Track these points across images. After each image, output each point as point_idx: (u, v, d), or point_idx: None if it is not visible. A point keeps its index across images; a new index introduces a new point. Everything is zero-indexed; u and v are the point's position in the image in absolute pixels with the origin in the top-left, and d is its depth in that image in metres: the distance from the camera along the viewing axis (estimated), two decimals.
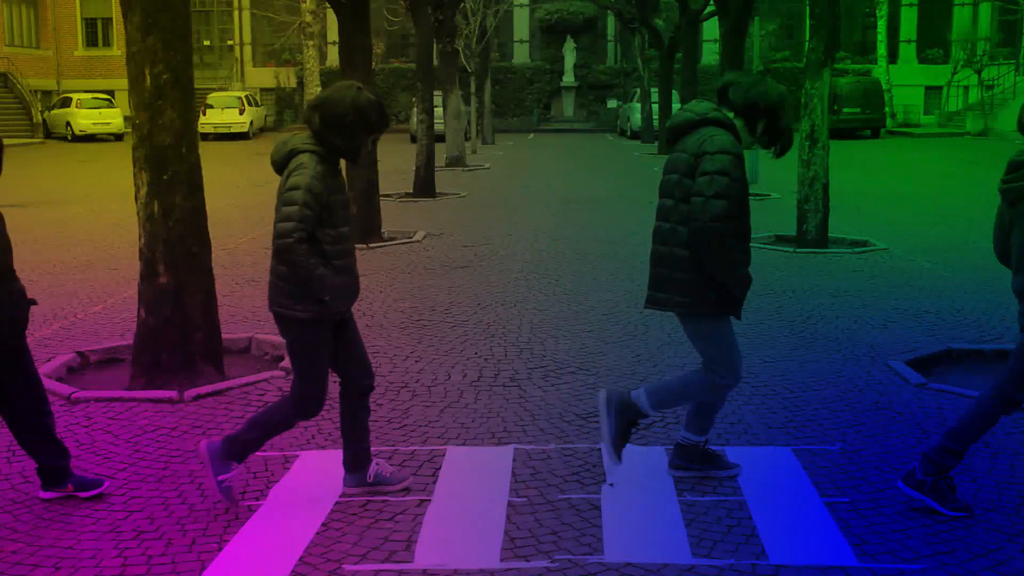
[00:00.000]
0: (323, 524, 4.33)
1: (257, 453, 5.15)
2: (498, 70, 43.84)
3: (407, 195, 18.03)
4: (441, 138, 24.63)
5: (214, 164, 24.35)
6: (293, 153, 4.35)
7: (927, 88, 45.27)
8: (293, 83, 46.94)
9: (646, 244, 12.11)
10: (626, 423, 4.72)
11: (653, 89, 33.41)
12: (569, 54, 46.70)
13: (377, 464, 4.68)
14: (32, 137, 38.49)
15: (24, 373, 4.52)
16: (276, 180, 4.46)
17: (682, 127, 4.59)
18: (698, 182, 4.39)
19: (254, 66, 48.57)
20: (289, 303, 4.34)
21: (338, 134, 4.31)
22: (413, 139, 28.96)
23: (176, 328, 6.34)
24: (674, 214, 4.51)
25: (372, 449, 4.74)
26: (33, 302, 4.58)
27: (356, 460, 4.64)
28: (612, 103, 45.74)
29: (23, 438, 4.58)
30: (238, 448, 4.50)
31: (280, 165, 4.40)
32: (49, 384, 6.28)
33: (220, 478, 4.45)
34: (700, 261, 4.44)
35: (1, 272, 4.42)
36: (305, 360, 4.47)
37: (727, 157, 4.38)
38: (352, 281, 4.41)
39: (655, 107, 32.66)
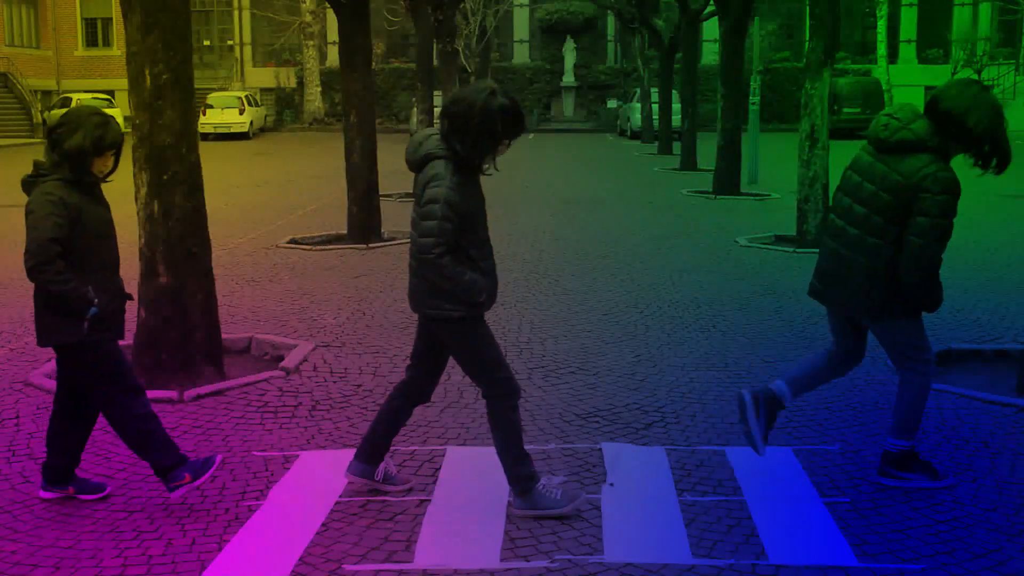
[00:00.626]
0: (323, 524, 4.33)
1: (256, 453, 5.17)
2: (498, 70, 43.84)
3: (407, 195, 18.03)
4: None
5: (214, 164, 24.35)
6: (428, 158, 4.24)
7: (927, 88, 45.20)
8: (293, 83, 46.96)
9: (646, 244, 12.20)
10: (924, 470, 4.76)
11: (653, 89, 33.39)
12: (569, 54, 46.70)
13: (386, 463, 4.67)
14: (32, 137, 38.48)
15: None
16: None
17: (897, 145, 4.47)
18: (919, 223, 4.40)
19: (254, 66, 48.58)
20: (437, 303, 4.27)
21: (460, 140, 4.16)
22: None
23: (176, 328, 6.34)
24: (886, 234, 4.49)
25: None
26: (130, 297, 4.66)
27: (374, 453, 4.61)
28: (612, 103, 45.74)
29: (57, 429, 4.57)
30: (523, 477, 4.40)
31: (415, 166, 4.31)
32: (49, 384, 6.28)
33: (558, 498, 4.38)
34: (908, 285, 4.52)
35: (113, 264, 4.51)
36: (475, 352, 4.38)
37: (949, 199, 4.39)
38: (496, 281, 4.36)
39: (655, 107, 32.64)
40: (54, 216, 4.23)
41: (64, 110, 4.65)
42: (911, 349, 4.70)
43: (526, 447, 5.23)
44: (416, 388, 4.62)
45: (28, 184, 4.40)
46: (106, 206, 4.53)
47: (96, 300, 4.32)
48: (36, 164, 4.40)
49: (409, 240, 4.34)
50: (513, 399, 4.41)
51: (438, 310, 4.28)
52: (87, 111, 4.46)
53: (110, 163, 4.45)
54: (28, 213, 4.28)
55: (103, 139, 4.35)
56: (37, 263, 4.20)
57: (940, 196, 4.37)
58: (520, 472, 4.41)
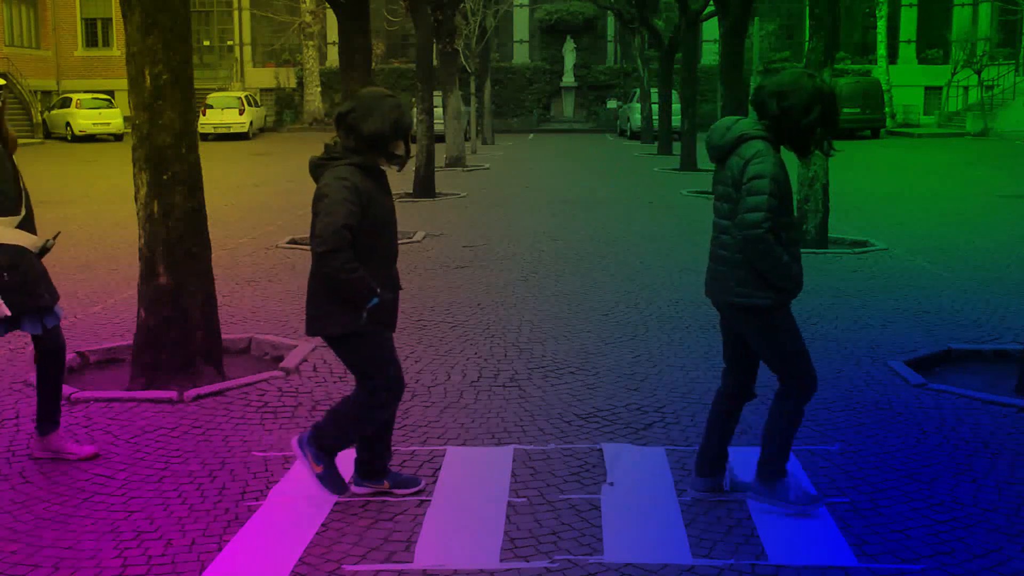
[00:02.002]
0: (323, 524, 4.33)
1: (257, 453, 5.17)
2: (498, 70, 43.84)
3: (407, 195, 18.03)
4: (441, 138, 24.63)
5: (214, 164, 24.35)
6: (743, 139, 4.23)
7: (927, 88, 45.28)
8: (293, 83, 46.95)
9: (646, 244, 12.21)
10: None
11: (653, 89, 33.40)
12: (569, 54, 46.71)
13: (728, 470, 4.63)
14: (32, 137, 38.49)
15: None
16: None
17: None
18: None
19: (254, 66, 48.56)
20: (747, 291, 4.23)
21: (795, 122, 4.17)
22: (413, 139, 28.97)
23: (176, 328, 6.34)
24: None
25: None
26: (400, 287, 4.56)
27: (716, 465, 4.58)
28: (612, 103, 45.75)
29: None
30: (777, 468, 4.39)
31: (722, 150, 4.29)
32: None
33: (794, 499, 4.34)
34: None
35: (392, 255, 4.42)
36: (781, 341, 4.33)
37: None
38: (801, 268, 4.31)
39: (655, 107, 32.64)
40: (348, 203, 4.14)
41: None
42: None
43: (526, 447, 5.25)
44: (741, 388, 4.55)
45: (318, 167, 4.31)
46: (391, 195, 4.44)
47: (379, 290, 4.25)
48: (328, 147, 4.28)
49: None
50: (811, 395, 4.39)
51: (747, 298, 4.25)
52: (378, 93, 4.33)
53: (401, 148, 4.35)
54: (321, 197, 4.18)
55: (400, 122, 4.27)
56: (329, 249, 4.11)
57: None
58: (778, 463, 4.38)
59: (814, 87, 4.20)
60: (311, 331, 4.44)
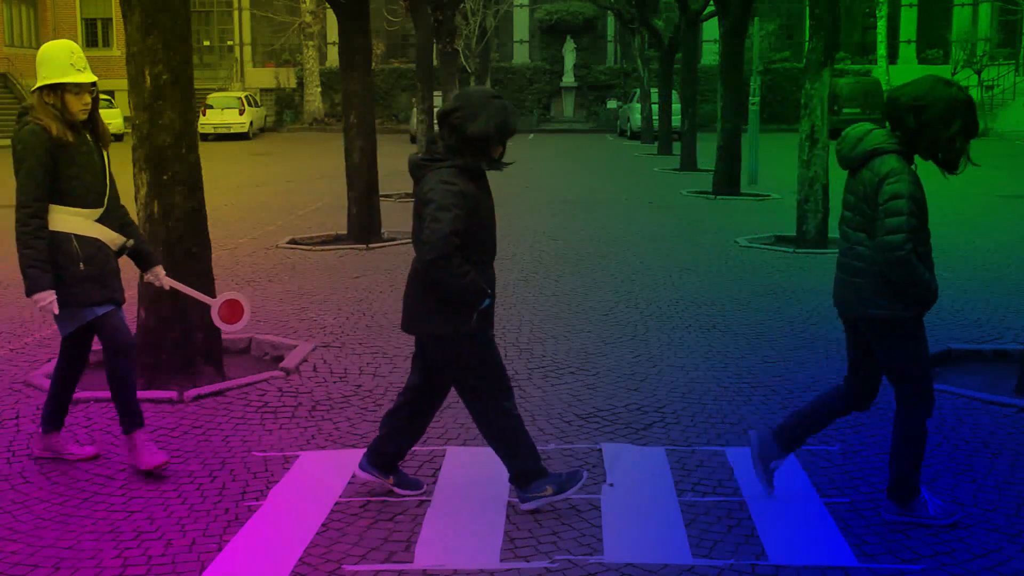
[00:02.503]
0: (323, 524, 4.33)
1: (256, 453, 5.17)
2: (498, 70, 43.84)
3: (407, 195, 18.02)
4: None
5: (214, 164, 24.35)
6: (876, 153, 4.18)
7: None
8: (293, 83, 46.96)
9: (646, 244, 12.21)
10: None
11: (653, 89, 33.40)
12: (569, 54, 46.70)
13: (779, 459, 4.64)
14: None
15: None
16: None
17: None
18: None
19: (254, 66, 48.57)
20: (888, 303, 4.19)
21: (936, 136, 4.08)
22: (413, 139, 28.97)
23: (176, 328, 6.34)
24: None
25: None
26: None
27: (792, 442, 4.58)
28: (612, 103, 45.74)
29: (399, 415, 4.56)
30: (914, 487, 4.33)
31: (853, 162, 4.25)
32: (48, 384, 6.27)
33: (933, 513, 4.31)
34: None
35: (493, 255, 4.38)
36: (914, 354, 4.29)
37: None
38: (935, 281, 4.28)
39: (655, 107, 32.64)
40: (455, 208, 4.09)
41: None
42: None
43: None
44: (862, 398, 4.53)
45: (420, 167, 4.25)
46: (491, 195, 4.39)
47: (489, 291, 4.22)
48: (430, 148, 4.23)
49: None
50: (932, 406, 4.32)
51: (888, 310, 4.21)
52: (486, 94, 4.28)
53: (499, 151, 4.30)
54: (428, 202, 4.12)
55: (505, 125, 4.21)
56: (438, 256, 4.06)
57: None
58: (915, 482, 4.33)
59: (951, 96, 4.07)
60: (410, 328, 4.38)
